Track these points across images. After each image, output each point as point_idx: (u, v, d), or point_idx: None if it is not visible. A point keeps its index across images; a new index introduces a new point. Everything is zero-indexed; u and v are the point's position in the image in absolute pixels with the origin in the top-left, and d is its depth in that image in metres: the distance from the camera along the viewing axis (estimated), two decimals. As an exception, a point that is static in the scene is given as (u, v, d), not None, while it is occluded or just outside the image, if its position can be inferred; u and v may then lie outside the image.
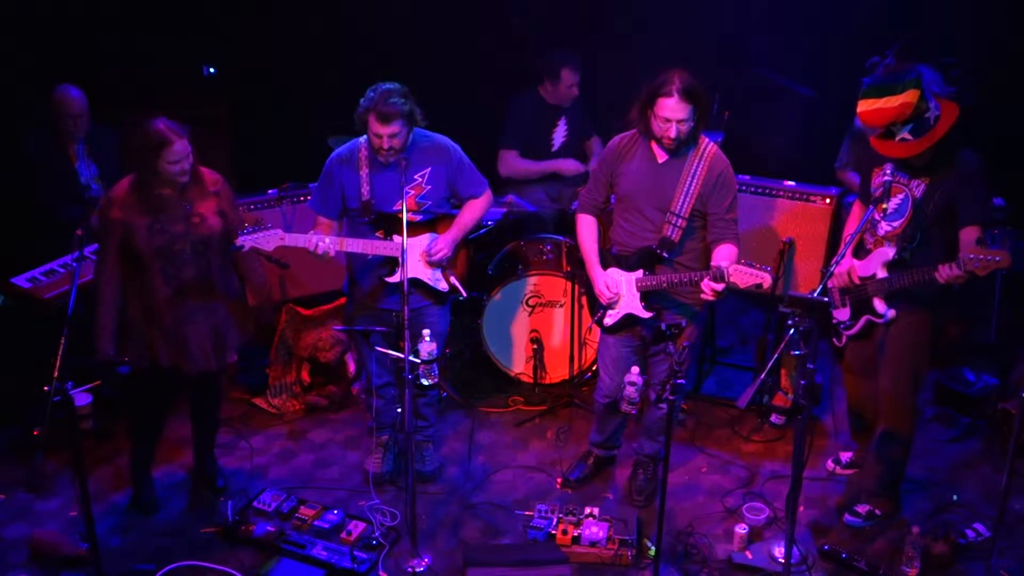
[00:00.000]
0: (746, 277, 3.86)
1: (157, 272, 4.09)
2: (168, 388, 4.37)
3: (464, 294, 4.53)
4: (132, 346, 4.18)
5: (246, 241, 4.15)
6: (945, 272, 3.77)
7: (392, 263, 4.35)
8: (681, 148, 4.09)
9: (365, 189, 4.32)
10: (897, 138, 3.88)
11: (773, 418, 5.15)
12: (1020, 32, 5.77)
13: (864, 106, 3.86)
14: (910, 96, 3.77)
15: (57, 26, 5.96)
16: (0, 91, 5.73)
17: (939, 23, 5.77)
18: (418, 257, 4.37)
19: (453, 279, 4.47)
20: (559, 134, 5.90)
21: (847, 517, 4.38)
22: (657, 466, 4.61)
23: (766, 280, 3.84)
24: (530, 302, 5.42)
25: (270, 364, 5.43)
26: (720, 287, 3.93)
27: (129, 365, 4.16)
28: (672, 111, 3.96)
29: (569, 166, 5.89)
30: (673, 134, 4.00)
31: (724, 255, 4.05)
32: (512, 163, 5.84)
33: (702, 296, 3.99)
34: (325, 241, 4.21)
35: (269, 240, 4.16)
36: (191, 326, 4.18)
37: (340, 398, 5.43)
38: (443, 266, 4.44)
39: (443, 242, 4.39)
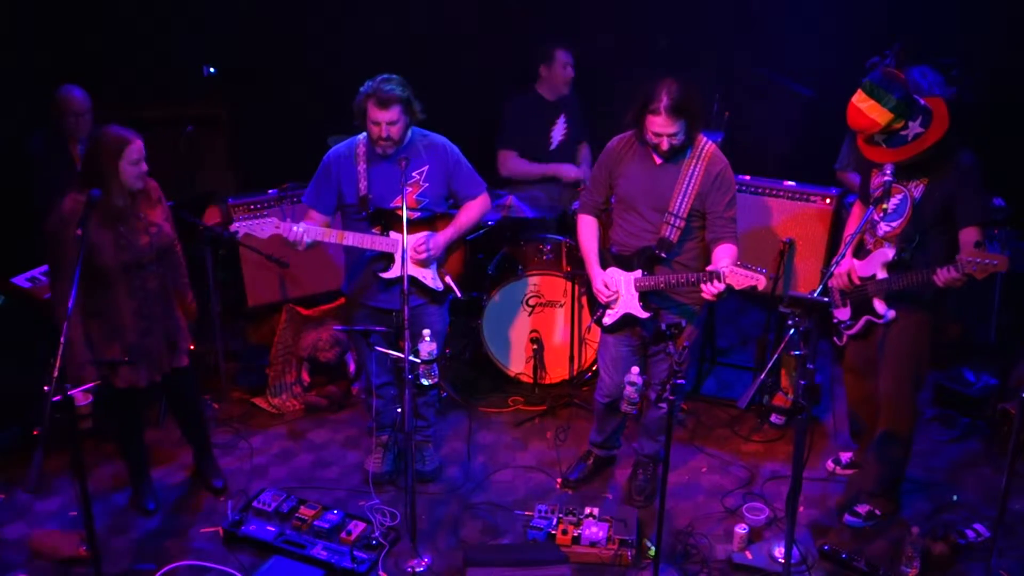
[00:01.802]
0: (742, 279, 3.87)
1: (122, 288, 4.07)
2: (133, 400, 4.35)
3: (459, 294, 4.52)
4: (95, 367, 4.10)
5: (241, 227, 4.15)
6: (943, 275, 3.78)
7: (388, 259, 4.36)
8: (676, 155, 4.09)
9: (363, 184, 4.32)
10: (876, 143, 3.93)
11: (773, 418, 5.15)
12: (1020, 32, 5.77)
13: (855, 99, 3.89)
14: (882, 116, 3.81)
15: (58, 26, 5.95)
16: (2, 91, 5.73)
17: (939, 23, 5.77)
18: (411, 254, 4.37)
19: (448, 279, 4.47)
20: (557, 132, 5.89)
21: (847, 517, 4.38)
22: (657, 466, 4.62)
23: (761, 282, 3.85)
24: (530, 302, 5.42)
25: (270, 364, 5.43)
26: (718, 288, 3.93)
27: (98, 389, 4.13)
28: (661, 127, 3.97)
29: (567, 172, 5.85)
30: (665, 147, 4.01)
31: (723, 255, 4.05)
32: (511, 164, 5.84)
33: (703, 296, 4.00)
34: (297, 228, 4.18)
35: (264, 227, 4.18)
36: (151, 336, 4.18)
37: (340, 398, 5.43)
38: (429, 264, 4.43)
39: (435, 242, 4.38)
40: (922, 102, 3.92)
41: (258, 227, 4.18)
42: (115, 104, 5.52)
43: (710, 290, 3.95)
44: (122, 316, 4.10)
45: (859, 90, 3.88)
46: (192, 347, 4.42)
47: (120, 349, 4.12)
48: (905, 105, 3.82)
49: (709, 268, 4.00)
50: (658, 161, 4.14)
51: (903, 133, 3.87)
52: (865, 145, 4.01)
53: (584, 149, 6.05)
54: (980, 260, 3.68)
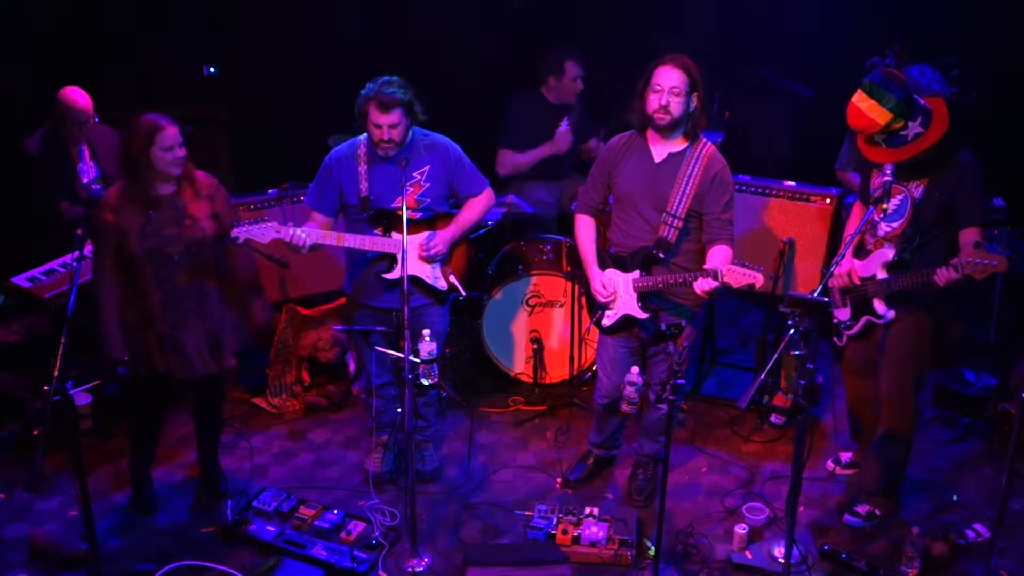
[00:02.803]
0: (740, 277, 3.86)
1: (150, 276, 4.09)
2: (164, 392, 4.36)
3: (463, 293, 4.52)
4: (129, 351, 4.16)
5: (241, 232, 4.15)
6: (943, 275, 3.78)
7: (390, 259, 4.36)
8: (675, 130, 4.09)
9: (364, 185, 4.32)
10: (876, 143, 3.93)
11: (773, 418, 5.15)
12: (1020, 32, 5.77)
13: (855, 99, 3.90)
14: (882, 116, 3.82)
15: (58, 26, 5.96)
16: (2, 91, 5.73)
17: (939, 23, 5.78)
18: (414, 252, 4.37)
19: (452, 278, 4.46)
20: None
21: (847, 517, 4.38)
22: (657, 466, 4.62)
23: (759, 280, 3.84)
24: (530, 302, 5.42)
25: (270, 364, 5.43)
26: (711, 286, 3.93)
27: (127, 369, 4.13)
28: (665, 77, 3.99)
29: (560, 142, 5.77)
30: (664, 101, 4.00)
31: (718, 257, 4.05)
32: (507, 160, 5.82)
33: (695, 290, 3.99)
34: (302, 233, 4.17)
35: (264, 232, 4.15)
36: (186, 331, 4.17)
37: (340, 398, 5.43)
38: (437, 262, 4.43)
39: (439, 238, 4.39)
40: (922, 102, 3.92)
41: (259, 232, 4.16)
42: (115, 104, 5.52)
43: (702, 286, 3.95)
44: (150, 304, 4.12)
45: (859, 90, 3.88)
46: (237, 349, 4.37)
47: (153, 335, 4.15)
48: (905, 105, 3.82)
49: (706, 267, 4.00)
50: (658, 158, 4.14)
51: (903, 133, 3.88)
52: (865, 145, 4.01)
53: (593, 144, 6.04)
54: (979, 261, 3.68)
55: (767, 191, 5.13)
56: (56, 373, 3.32)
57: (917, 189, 3.99)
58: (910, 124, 3.86)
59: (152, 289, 4.10)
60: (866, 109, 3.84)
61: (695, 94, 4.04)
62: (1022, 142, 5.56)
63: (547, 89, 5.84)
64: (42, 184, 5.23)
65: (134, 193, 4.05)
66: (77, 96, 5.18)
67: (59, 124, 5.22)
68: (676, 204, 4.10)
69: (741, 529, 4.21)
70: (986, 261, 3.68)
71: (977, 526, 4.27)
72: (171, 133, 3.99)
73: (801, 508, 4.40)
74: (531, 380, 5.48)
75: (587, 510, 4.35)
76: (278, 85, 6.45)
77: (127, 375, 3.90)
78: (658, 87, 4.01)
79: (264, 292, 4.47)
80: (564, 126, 5.76)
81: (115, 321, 4.10)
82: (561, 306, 5.39)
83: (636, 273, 4.19)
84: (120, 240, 4.04)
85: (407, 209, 4.09)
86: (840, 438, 4.94)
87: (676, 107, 4.02)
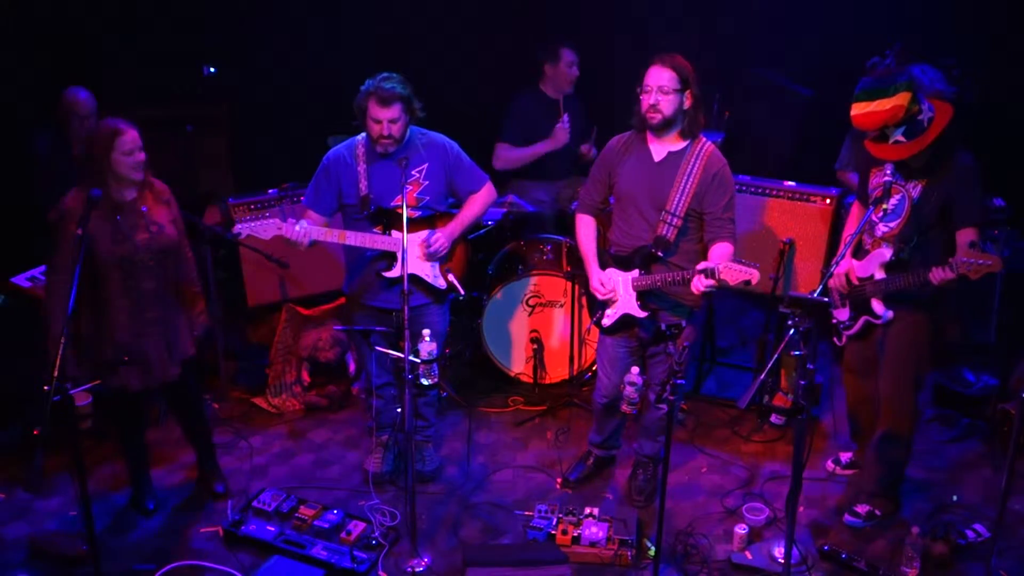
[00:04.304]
0: (736, 274, 3.86)
1: (116, 283, 4.02)
2: (131, 401, 4.31)
3: (462, 293, 4.52)
4: (84, 365, 4.06)
5: (243, 229, 4.15)
6: (938, 275, 3.78)
7: (390, 258, 4.36)
8: (668, 129, 4.08)
9: (363, 184, 4.32)
10: (891, 140, 3.90)
11: (773, 418, 5.15)
12: (1020, 32, 5.77)
13: (856, 110, 3.87)
14: (901, 99, 3.79)
15: (58, 26, 5.96)
16: (2, 91, 5.74)
17: (939, 23, 5.78)
18: (416, 250, 4.37)
19: (451, 277, 4.46)
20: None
21: (847, 517, 4.38)
22: (657, 466, 4.62)
23: (754, 276, 3.84)
24: (530, 302, 5.42)
25: (270, 364, 5.43)
26: (708, 283, 3.92)
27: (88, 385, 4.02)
28: (654, 77, 4.00)
29: (558, 137, 5.75)
30: (652, 100, 4.01)
31: (720, 254, 4.06)
32: (503, 154, 5.81)
33: (692, 289, 3.99)
34: (298, 228, 4.17)
35: (266, 228, 4.17)
36: (147, 339, 4.12)
37: (340, 398, 5.43)
38: (439, 260, 4.43)
39: (442, 235, 4.39)
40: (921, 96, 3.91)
41: (260, 228, 4.17)
42: (115, 104, 5.52)
43: (698, 286, 3.95)
44: (114, 313, 4.06)
45: (855, 103, 3.85)
46: (191, 355, 4.33)
47: (110, 347, 4.08)
48: (914, 83, 3.80)
49: (702, 264, 3.99)
50: (657, 157, 4.14)
51: (920, 118, 3.84)
52: (873, 144, 3.97)
53: (584, 146, 6.03)
54: (974, 261, 3.68)
55: (767, 191, 5.14)
56: (56, 373, 3.32)
57: (915, 189, 3.99)
58: (923, 107, 3.84)
59: (117, 297, 4.03)
60: (875, 108, 3.81)
61: (688, 92, 4.04)
62: (1022, 142, 5.56)
63: (545, 82, 5.83)
64: (45, 185, 5.23)
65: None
66: (80, 92, 5.21)
67: (64, 123, 5.23)
68: (676, 203, 4.10)
69: (741, 529, 4.21)
70: (980, 261, 3.68)
71: (977, 526, 4.27)
72: (130, 137, 3.93)
73: (801, 508, 4.40)
74: (531, 380, 5.49)
75: (587, 510, 4.35)
76: (278, 85, 6.45)
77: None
78: (647, 87, 4.03)
79: (203, 300, 4.41)
80: (566, 121, 5.75)
81: (65, 334, 3.83)
82: (561, 306, 5.39)
83: (635, 272, 4.19)
84: (88, 248, 3.88)
85: (407, 207, 4.10)
86: (840, 438, 4.94)
87: (666, 105, 4.02)
